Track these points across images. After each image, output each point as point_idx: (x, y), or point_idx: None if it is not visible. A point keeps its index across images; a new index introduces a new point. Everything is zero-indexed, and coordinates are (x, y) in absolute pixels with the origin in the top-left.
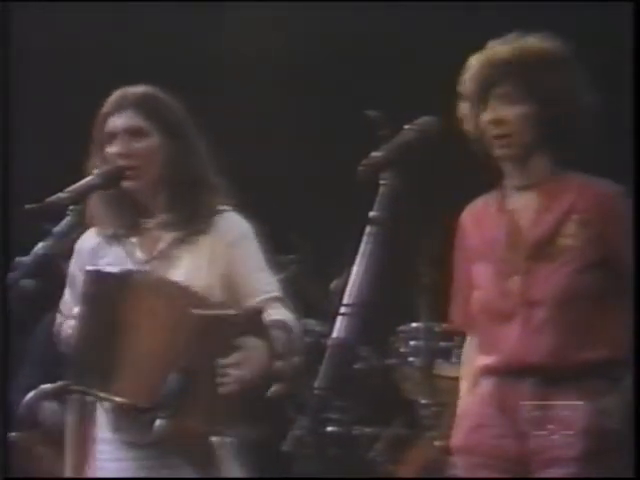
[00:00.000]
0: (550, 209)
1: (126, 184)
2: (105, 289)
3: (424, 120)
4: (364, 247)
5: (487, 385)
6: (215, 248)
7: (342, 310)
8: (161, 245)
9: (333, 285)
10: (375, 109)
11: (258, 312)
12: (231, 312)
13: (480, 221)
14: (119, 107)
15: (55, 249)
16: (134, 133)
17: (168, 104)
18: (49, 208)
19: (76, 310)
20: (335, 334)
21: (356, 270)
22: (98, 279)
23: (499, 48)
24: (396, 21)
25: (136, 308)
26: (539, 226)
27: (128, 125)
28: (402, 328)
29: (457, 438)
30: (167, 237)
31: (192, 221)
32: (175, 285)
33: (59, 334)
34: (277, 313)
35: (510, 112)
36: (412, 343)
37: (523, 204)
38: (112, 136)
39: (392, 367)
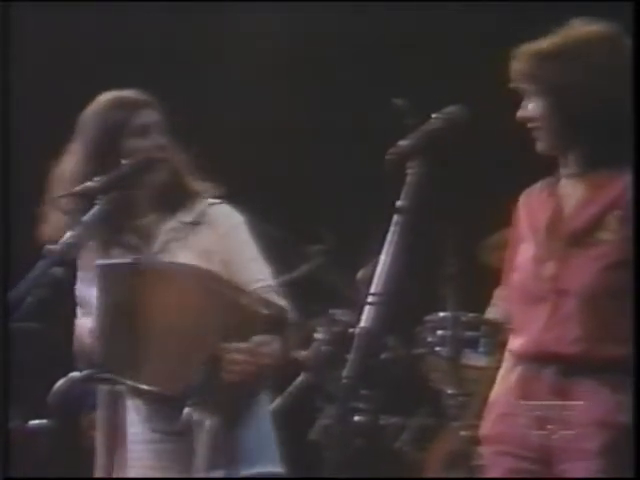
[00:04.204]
0: (594, 201)
1: (152, 176)
2: (119, 278)
3: (451, 109)
4: (391, 236)
5: (514, 374)
6: (211, 238)
7: (369, 300)
8: (159, 237)
9: (360, 275)
10: (403, 98)
11: (286, 312)
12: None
13: (532, 204)
14: (145, 103)
15: (84, 238)
16: (162, 129)
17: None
18: (78, 197)
19: (95, 302)
20: (362, 324)
21: (383, 259)
22: (110, 270)
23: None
24: (421, 11)
25: (154, 294)
26: (580, 216)
27: (160, 120)
28: (429, 318)
29: (485, 426)
30: (162, 229)
31: (180, 210)
32: (195, 268)
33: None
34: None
35: (533, 107)
36: (439, 333)
37: (571, 191)
38: (144, 129)
39: (419, 357)
